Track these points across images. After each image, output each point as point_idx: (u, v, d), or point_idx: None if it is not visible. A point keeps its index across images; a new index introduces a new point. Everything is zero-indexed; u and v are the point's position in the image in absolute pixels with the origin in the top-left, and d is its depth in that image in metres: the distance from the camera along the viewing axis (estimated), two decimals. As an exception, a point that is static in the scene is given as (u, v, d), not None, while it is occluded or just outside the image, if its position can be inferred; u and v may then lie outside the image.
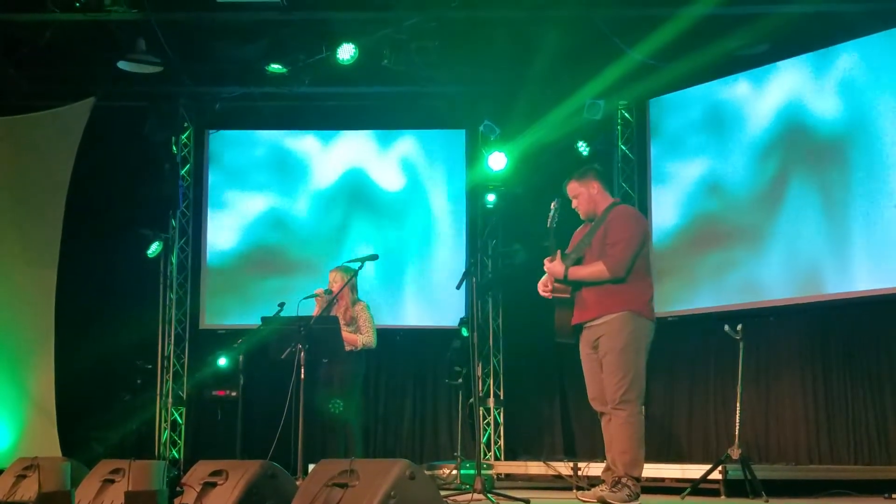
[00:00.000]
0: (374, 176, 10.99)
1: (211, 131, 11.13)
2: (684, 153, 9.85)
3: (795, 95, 8.96)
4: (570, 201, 5.96)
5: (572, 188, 5.93)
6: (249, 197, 11.04)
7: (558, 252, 5.82)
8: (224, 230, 11.00)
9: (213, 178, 11.11)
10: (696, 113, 9.76)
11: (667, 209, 9.86)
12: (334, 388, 7.73)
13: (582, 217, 5.96)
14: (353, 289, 7.84)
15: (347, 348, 7.62)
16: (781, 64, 9.09)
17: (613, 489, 5.52)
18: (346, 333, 7.61)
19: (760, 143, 9.19)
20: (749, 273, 9.19)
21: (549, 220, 5.84)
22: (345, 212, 10.95)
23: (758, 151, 9.20)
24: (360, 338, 7.73)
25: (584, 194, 5.89)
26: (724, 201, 9.47)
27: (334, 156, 11.07)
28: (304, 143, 11.14)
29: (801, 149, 8.92)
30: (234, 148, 11.20)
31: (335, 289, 7.66)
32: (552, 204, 5.85)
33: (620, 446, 5.55)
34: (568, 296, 5.78)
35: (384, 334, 8.03)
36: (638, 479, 5.55)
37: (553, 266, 5.78)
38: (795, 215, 8.88)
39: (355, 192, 10.98)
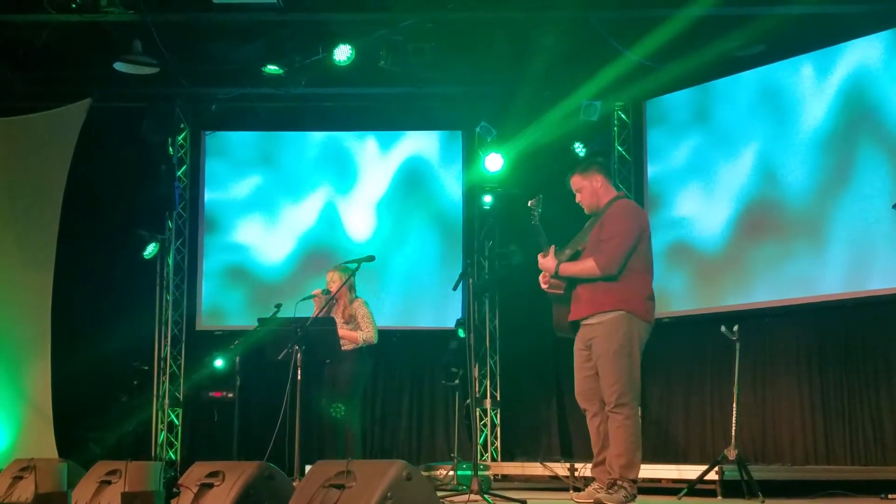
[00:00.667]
0: (370, 177, 11.00)
1: (207, 132, 11.13)
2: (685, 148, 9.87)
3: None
4: (552, 197, 5.92)
5: (575, 182, 5.84)
6: (246, 197, 11.04)
7: (552, 247, 5.76)
8: (220, 231, 11.00)
9: (209, 178, 11.11)
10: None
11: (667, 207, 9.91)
12: (337, 388, 7.72)
13: (586, 211, 5.88)
14: (351, 288, 7.84)
15: (349, 346, 7.62)
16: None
17: (609, 491, 5.51)
18: (345, 331, 7.62)
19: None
20: (744, 275, 9.22)
21: (533, 218, 5.79)
22: (341, 212, 10.95)
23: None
24: (360, 334, 7.72)
25: (587, 188, 5.81)
26: (719, 203, 9.51)
27: (330, 157, 11.07)
28: (300, 144, 11.15)
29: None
30: (231, 148, 11.20)
31: (333, 289, 7.66)
32: (529, 203, 5.80)
33: (616, 449, 5.52)
34: (562, 292, 5.72)
35: (381, 335, 8.02)
36: (634, 481, 5.54)
37: (545, 262, 5.74)
38: (792, 217, 8.93)
39: (351, 193, 10.99)
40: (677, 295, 9.58)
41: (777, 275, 8.97)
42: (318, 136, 11.14)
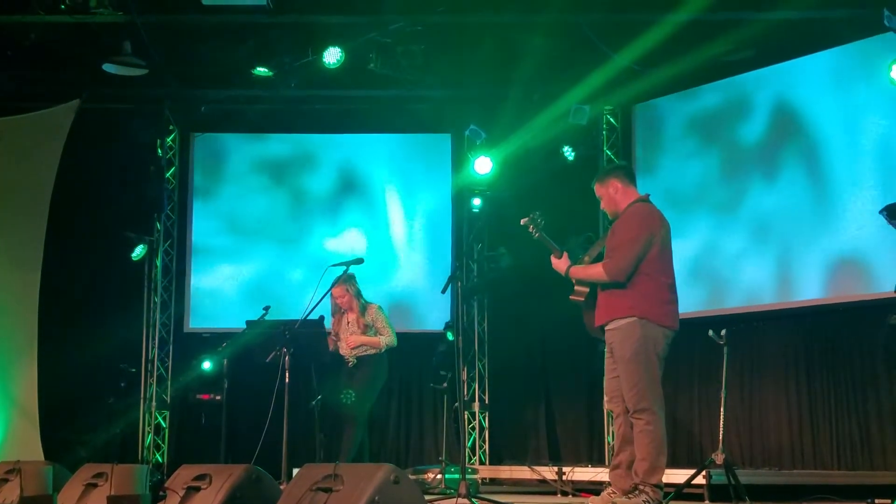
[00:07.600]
0: (360, 180, 10.99)
1: (196, 134, 11.11)
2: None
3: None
4: (544, 211, 6.00)
5: (596, 191, 5.96)
6: (235, 199, 11.02)
7: (565, 253, 5.86)
8: (209, 233, 10.98)
9: (198, 180, 11.09)
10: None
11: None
12: (354, 386, 7.73)
13: (610, 218, 5.99)
14: (358, 295, 7.87)
15: (371, 352, 7.65)
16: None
17: (630, 495, 5.50)
18: (366, 338, 7.66)
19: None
20: (732, 279, 9.24)
21: (532, 234, 5.86)
22: (330, 215, 10.94)
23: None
24: (381, 339, 7.76)
25: (606, 195, 5.91)
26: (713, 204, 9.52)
27: (320, 160, 11.06)
28: (289, 146, 11.13)
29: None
30: (219, 150, 11.18)
31: (343, 302, 7.73)
32: (522, 221, 5.88)
33: (640, 453, 5.54)
34: (582, 299, 5.84)
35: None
36: (657, 486, 5.53)
37: (558, 263, 5.86)
38: (781, 221, 8.95)
39: (340, 197, 10.97)
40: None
41: (765, 279, 9.00)
42: (306, 139, 11.12)
